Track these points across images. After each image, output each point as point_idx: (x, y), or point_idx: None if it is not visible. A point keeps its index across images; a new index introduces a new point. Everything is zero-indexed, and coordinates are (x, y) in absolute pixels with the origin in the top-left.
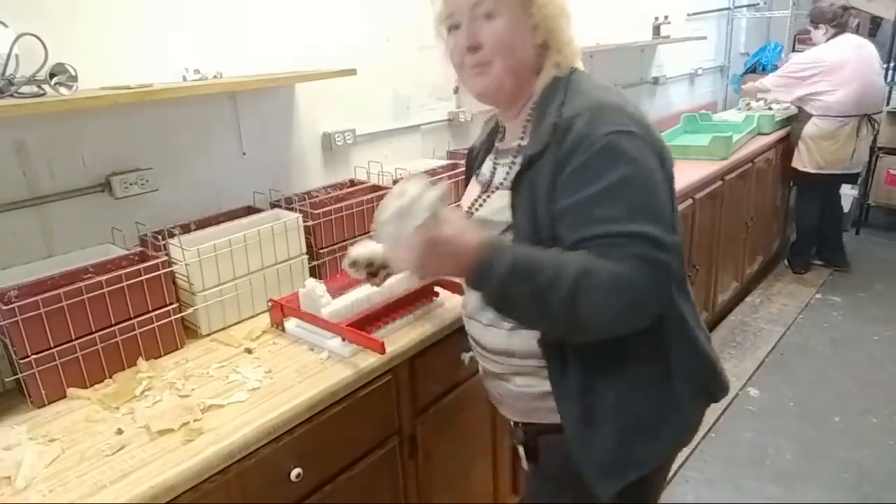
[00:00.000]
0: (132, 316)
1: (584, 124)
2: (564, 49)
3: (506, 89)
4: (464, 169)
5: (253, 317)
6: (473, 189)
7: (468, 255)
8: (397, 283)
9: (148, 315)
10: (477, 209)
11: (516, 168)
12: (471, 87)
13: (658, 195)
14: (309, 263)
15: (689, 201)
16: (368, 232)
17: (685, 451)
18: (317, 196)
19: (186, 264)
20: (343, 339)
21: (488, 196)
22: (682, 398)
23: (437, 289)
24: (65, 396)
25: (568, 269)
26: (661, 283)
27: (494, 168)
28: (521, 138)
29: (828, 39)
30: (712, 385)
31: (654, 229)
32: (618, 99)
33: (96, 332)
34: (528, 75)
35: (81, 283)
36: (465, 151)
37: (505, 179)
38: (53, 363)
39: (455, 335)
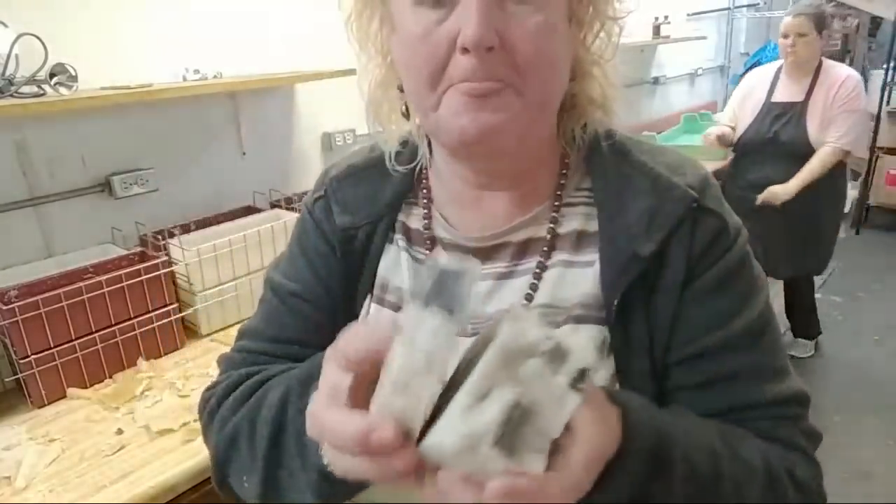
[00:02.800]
0: (132, 316)
1: (716, 204)
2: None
3: (533, 134)
4: None
5: None
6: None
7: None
8: None
9: (148, 315)
10: None
11: (621, 279)
12: (464, 120)
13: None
14: None
15: None
16: None
17: None
18: None
19: (186, 264)
20: None
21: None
22: None
23: None
24: (65, 396)
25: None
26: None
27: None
28: (552, 224)
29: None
30: None
31: (799, 380)
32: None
33: (96, 332)
34: (556, 113)
35: (81, 283)
36: None
37: (554, 304)
38: (53, 363)
39: None
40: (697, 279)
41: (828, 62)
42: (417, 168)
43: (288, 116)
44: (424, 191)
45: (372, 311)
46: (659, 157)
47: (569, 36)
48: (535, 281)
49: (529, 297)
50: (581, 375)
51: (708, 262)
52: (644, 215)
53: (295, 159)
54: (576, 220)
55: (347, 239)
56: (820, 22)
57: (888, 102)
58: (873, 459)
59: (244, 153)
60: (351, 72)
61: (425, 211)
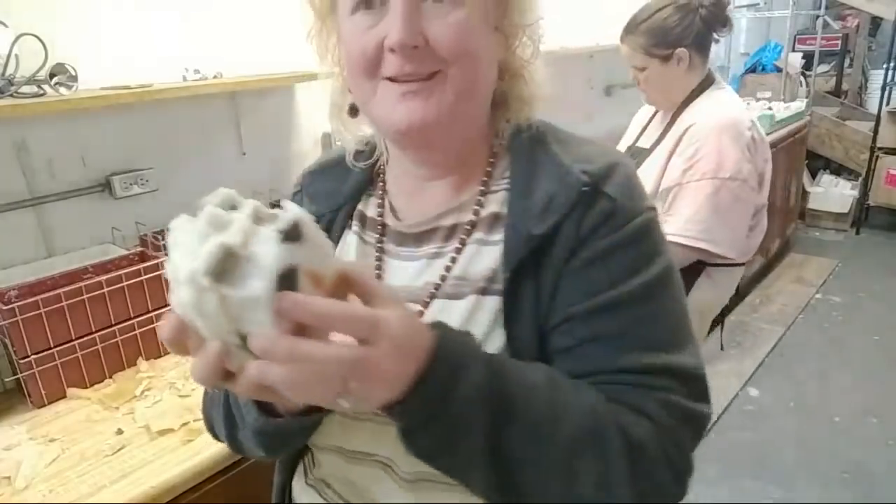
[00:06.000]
0: (132, 316)
1: (615, 190)
2: (533, 83)
3: (459, 123)
4: None
5: None
6: None
7: (414, 357)
8: None
9: (148, 315)
10: None
11: (515, 255)
12: (397, 111)
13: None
14: None
15: None
16: None
17: None
18: None
19: None
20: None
21: (422, 312)
22: None
23: None
24: (65, 396)
25: (608, 434)
26: (689, 459)
27: (380, 262)
28: (477, 207)
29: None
30: None
31: (690, 360)
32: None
33: (96, 332)
34: (485, 108)
35: (81, 283)
36: None
37: (453, 277)
38: (53, 363)
39: None
40: (580, 253)
41: (710, 94)
42: (377, 164)
43: (288, 116)
44: (381, 183)
45: None
46: (574, 146)
47: (492, 39)
48: (455, 256)
49: (448, 270)
50: (295, 227)
51: (592, 240)
52: (543, 198)
53: (295, 159)
54: (494, 204)
55: None
56: (660, 38)
57: (888, 102)
58: (873, 459)
59: (244, 153)
60: None
61: (380, 201)
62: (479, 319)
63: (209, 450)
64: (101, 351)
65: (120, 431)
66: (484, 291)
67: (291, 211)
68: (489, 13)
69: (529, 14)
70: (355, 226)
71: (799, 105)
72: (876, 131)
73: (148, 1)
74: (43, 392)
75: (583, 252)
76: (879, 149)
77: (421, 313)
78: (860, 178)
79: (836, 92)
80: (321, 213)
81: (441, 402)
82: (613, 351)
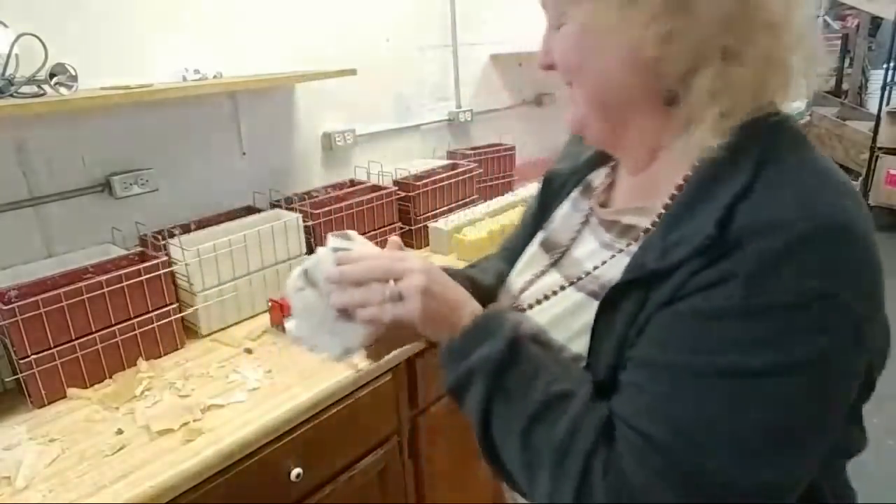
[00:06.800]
0: (132, 316)
1: (768, 252)
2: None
3: (598, 134)
4: (463, 169)
5: (253, 317)
6: (533, 256)
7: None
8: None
9: (148, 315)
10: (534, 303)
11: (626, 276)
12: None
13: (822, 420)
14: None
15: None
16: (368, 231)
17: None
18: (317, 196)
19: (186, 264)
20: None
21: (560, 289)
22: None
23: None
24: (65, 396)
25: (574, 427)
26: None
27: (577, 234)
28: (641, 214)
29: None
30: None
31: (774, 477)
32: (854, 217)
33: (96, 332)
34: (640, 121)
35: (81, 283)
36: (465, 151)
37: (594, 274)
38: (53, 363)
39: None
40: (678, 304)
41: None
42: None
43: (288, 116)
44: (612, 163)
45: (534, 247)
46: (789, 187)
47: (627, 39)
48: (612, 255)
49: (595, 268)
50: (306, 272)
51: (695, 298)
52: (680, 234)
53: (295, 159)
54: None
55: (546, 182)
56: None
57: (888, 102)
58: (873, 459)
59: (244, 153)
60: (351, 72)
61: (605, 178)
62: (579, 318)
63: (209, 450)
64: (101, 351)
65: (120, 431)
66: (596, 296)
67: (309, 260)
68: (614, 15)
69: None
70: (575, 192)
71: (799, 105)
72: (876, 131)
73: (147, 1)
74: (43, 392)
75: (681, 304)
76: (879, 149)
77: (555, 292)
78: (860, 178)
79: (836, 92)
80: (558, 172)
81: (460, 357)
82: (662, 417)
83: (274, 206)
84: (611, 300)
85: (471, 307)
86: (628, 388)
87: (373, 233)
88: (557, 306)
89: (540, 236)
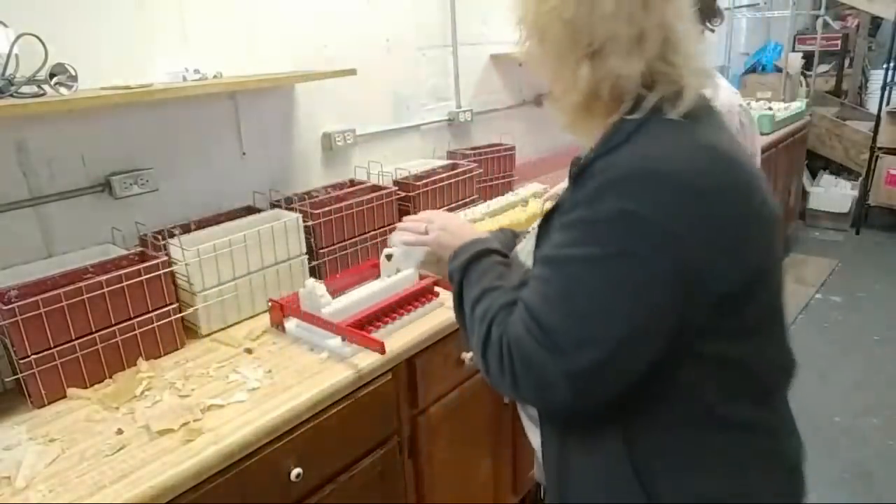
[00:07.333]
0: (132, 316)
1: (605, 184)
2: (658, 79)
3: (573, 127)
4: (463, 169)
5: (253, 317)
6: None
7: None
8: (397, 283)
9: (148, 315)
10: (522, 239)
11: (546, 210)
12: None
13: (620, 303)
14: (309, 263)
15: None
16: (368, 231)
17: None
18: (317, 196)
19: (186, 264)
20: (343, 339)
21: (527, 235)
22: None
23: (437, 288)
24: (65, 396)
25: (482, 304)
26: (526, 377)
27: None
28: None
29: None
30: None
31: (558, 321)
32: (679, 168)
33: (96, 332)
34: (596, 112)
35: (81, 283)
36: (465, 151)
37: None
38: (53, 363)
39: (455, 335)
40: (561, 218)
41: None
42: None
43: (288, 116)
44: None
45: None
46: (640, 146)
47: (566, 48)
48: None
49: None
50: (389, 255)
51: (566, 213)
52: (572, 173)
53: (295, 159)
54: None
55: (571, 164)
56: None
57: (888, 102)
58: (873, 459)
59: (244, 153)
60: (351, 72)
61: None
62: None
63: (209, 450)
64: (101, 351)
65: (120, 431)
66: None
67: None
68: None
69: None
70: None
71: (799, 105)
72: (876, 131)
73: (147, 1)
74: (43, 392)
75: (562, 217)
76: (879, 149)
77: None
78: (860, 178)
79: (836, 92)
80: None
81: (452, 261)
82: (530, 279)
83: (274, 206)
84: (543, 224)
85: (469, 239)
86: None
87: (373, 233)
88: (530, 241)
89: None
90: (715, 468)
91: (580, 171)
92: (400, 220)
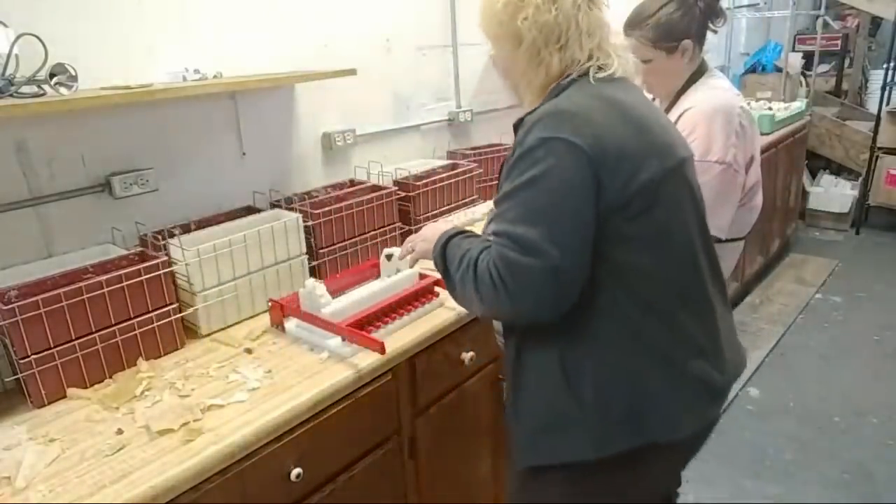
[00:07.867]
0: (132, 316)
1: (529, 127)
2: (574, 56)
3: (533, 104)
4: (463, 169)
5: (253, 317)
6: None
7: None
8: (397, 283)
9: (148, 315)
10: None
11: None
12: None
13: (562, 202)
14: (309, 263)
15: None
16: (368, 231)
17: None
18: (317, 196)
19: (186, 264)
20: (343, 339)
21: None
22: (588, 410)
23: (437, 288)
24: (65, 396)
25: (464, 261)
26: (516, 284)
27: None
28: None
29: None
30: (642, 420)
31: (529, 232)
32: (577, 107)
33: (96, 332)
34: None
35: (81, 283)
36: (465, 151)
37: None
38: (53, 363)
39: (455, 335)
40: (508, 162)
41: (705, 81)
42: None
43: (288, 116)
44: None
45: None
46: (556, 100)
47: (510, 48)
48: None
49: None
50: (390, 255)
51: (512, 156)
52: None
53: (295, 159)
54: None
55: None
56: (667, 32)
57: (888, 102)
58: (873, 459)
59: (244, 153)
60: (351, 72)
61: None
62: None
63: (209, 450)
64: (101, 351)
65: (120, 431)
66: None
67: (390, 250)
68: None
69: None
70: None
71: (799, 105)
72: (876, 131)
73: (147, 1)
74: (43, 392)
75: (507, 165)
76: (879, 149)
77: None
78: (860, 178)
79: (836, 92)
80: None
81: (434, 252)
82: (495, 221)
83: (274, 206)
84: (498, 181)
85: (440, 233)
86: (492, 217)
87: (373, 233)
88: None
89: None
90: (621, 376)
91: (518, 124)
92: (400, 221)
